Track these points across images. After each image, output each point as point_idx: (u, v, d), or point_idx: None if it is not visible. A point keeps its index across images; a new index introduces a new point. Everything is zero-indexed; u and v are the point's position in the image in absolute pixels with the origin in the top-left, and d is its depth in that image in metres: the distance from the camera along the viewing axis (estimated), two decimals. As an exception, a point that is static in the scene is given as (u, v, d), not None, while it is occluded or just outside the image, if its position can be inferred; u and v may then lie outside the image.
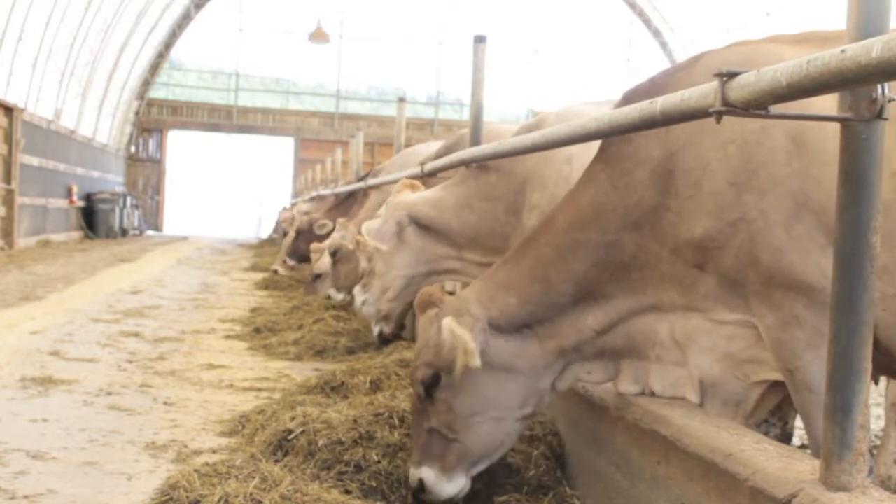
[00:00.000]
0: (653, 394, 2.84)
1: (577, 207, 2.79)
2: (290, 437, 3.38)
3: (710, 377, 2.72)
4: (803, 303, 2.39)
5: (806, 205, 2.39)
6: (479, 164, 4.74)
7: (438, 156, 6.55)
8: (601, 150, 2.84)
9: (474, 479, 2.95)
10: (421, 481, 2.88)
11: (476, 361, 2.70)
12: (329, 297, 8.15)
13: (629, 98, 2.82)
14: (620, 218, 2.69)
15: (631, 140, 2.70)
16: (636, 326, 2.80)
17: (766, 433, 2.87)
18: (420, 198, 4.80)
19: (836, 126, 2.32)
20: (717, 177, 2.52)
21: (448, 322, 2.72)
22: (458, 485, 2.87)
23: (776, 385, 2.69)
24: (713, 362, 2.70)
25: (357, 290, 6.39)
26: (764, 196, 2.44)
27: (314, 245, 10.10)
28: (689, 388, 2.77)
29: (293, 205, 14.15)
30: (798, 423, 2.97)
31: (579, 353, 2.85)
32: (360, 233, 6.77)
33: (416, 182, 5.22)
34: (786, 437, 2.97)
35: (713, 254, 2.55)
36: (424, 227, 4.75)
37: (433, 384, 2.84)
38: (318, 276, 8.94)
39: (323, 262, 8.70)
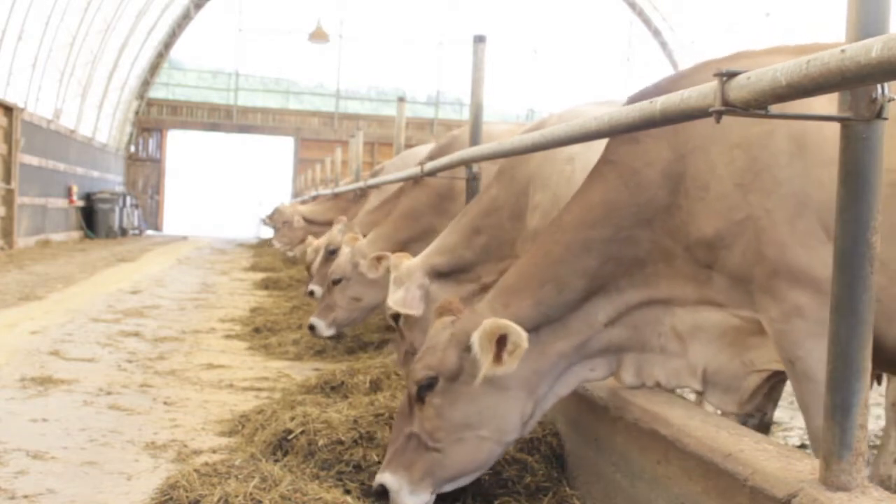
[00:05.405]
0: (658, 384, 2.88)
1: (587, 206, 2.82)
2: (290, 437, 3.38)
3: (716, 364, 2.79)
4: (808, 294, 2.49)
5: (807, 204, 2.50)
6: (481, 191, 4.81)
7: (431, 157, 6.53)
8: (607, 152, 2.90)
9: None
10: (383, 487, 2.77)
11: (524, 344, 2.61)
12: (311, 294, 8.06)
13: (634, 101, 2.85)
14: (633, 215, 2.75)
15: (639, 141, 2.78)
16: (644, 316, 2.84)
17: (744, 423, 2.92)
18: (425, 255, 4.80)
19: (835, 128, 2.40)
20: (724, 180, 2.61)
21: (489, 322, 2.65)
22: (420, 500, 2.76)
23: (773, 375, 2.78)
24: (722, 348, 2.78)
25: (315, 322, 6.40)
26: (769, 196, 2.54)
27: (309, 239, 10.08)
28: (689, 377, 2.85)
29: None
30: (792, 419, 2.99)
31: (585, 350, 2.86)
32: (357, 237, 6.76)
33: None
34: (764, 427, 3.01)
35: (721, 253, 2.64)
36: (445, 275, 4.73)
37: (428, 387, 2.79)
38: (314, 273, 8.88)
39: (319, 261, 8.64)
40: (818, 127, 2.51)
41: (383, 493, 2.78)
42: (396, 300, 4.68)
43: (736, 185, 2.59)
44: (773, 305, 2.56)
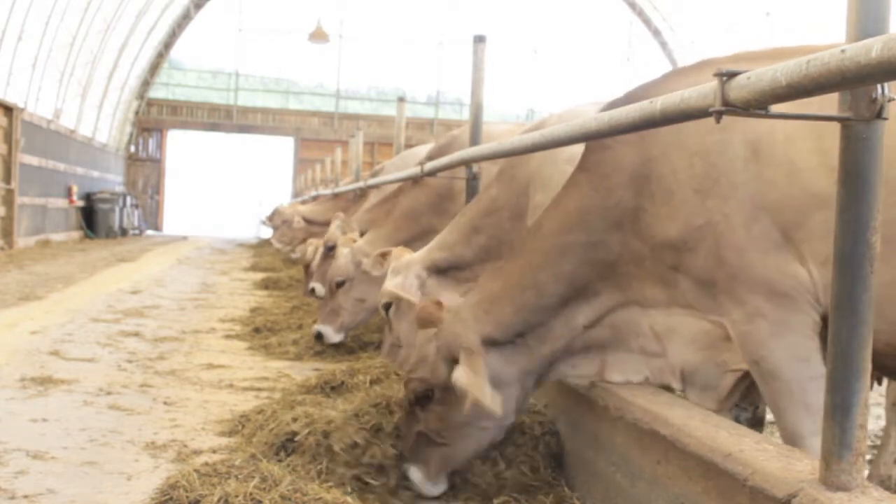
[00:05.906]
0: (646, 380, 3.04)
1: (562, 213, 2.98)
2: (293, 438, 3.38)
3: (692, 364, 2.91)
4: (765, 296, 2.58)
5: (762, 206, 2.59)
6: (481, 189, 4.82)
7: (431, 157, 6.51)
8: (581, 160, 3.04)
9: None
10: (406, 476, 3.10)
11: (495, 408, 2.85)
12: (313, 291, 7.98)
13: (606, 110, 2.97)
14: (604, 219, 2.89)
15: (608, 147, 2.90)
16: (621, 317, 2.99)
17: (737, 417, 2.94)
18: (426, 250, 4.82)
19: (786, 130, 2.53)
20: (685, 186, 2.73)
21: (461, 374, 2.87)
22: (441, 488, 3.11)
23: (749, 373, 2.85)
24: (696, 350, 2.88)
25: (322, 329, 6.30)
26: (726, 202, 2.65)
27: (309, 240, 10.06)
28: (669, 377, 2.99)
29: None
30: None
31: (569, 351, 3.05)
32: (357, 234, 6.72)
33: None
34: (756, 421, 3.02)
35: (685, 256, 2.75)
36: (443, 272, 4.74)
37: (425, 397, 3.04)
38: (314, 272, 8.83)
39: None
40: (770, 129, 2.59)
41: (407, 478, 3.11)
42: (395, 284, 4.71)
43: (695, 190, 2.70)
44: (735, 308, 2.66)
